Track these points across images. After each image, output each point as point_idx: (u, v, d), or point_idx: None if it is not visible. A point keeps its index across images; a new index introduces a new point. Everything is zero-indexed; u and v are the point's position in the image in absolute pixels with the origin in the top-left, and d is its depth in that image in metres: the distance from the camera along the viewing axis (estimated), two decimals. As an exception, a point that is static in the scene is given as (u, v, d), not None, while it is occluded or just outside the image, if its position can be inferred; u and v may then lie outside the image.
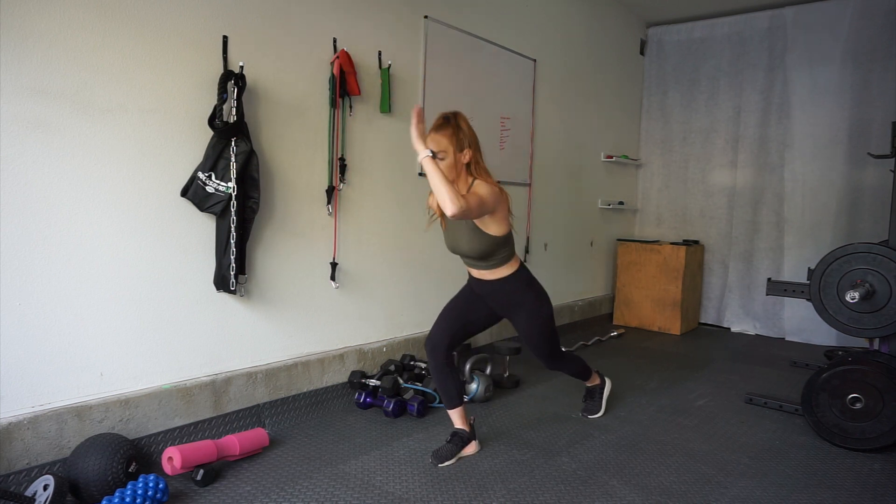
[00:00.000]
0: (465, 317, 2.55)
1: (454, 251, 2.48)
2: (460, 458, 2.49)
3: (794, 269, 4.94)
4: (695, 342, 4.92)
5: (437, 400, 3.03)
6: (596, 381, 3.05)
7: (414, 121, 2.15)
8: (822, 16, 4.84)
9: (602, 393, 3.06)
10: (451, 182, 2.15)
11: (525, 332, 2.59)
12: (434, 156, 2.15)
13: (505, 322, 4.18)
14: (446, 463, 2.43)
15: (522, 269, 2.52)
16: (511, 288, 2.49)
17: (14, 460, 1.98)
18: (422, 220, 3.48)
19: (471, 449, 2.53)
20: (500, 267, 2.45)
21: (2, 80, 1.92)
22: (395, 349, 3.39)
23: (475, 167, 2.32)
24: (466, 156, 2.30)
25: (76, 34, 2.08)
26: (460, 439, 2.49)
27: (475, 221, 2.32)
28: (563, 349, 2.79)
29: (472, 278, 2.57)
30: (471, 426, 2.55)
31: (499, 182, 2.37)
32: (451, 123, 2.28)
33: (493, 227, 2.33)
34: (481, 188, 2.26)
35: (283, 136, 2.77)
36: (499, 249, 2.40)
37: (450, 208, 2.07)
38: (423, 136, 2.18)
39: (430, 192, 2.37)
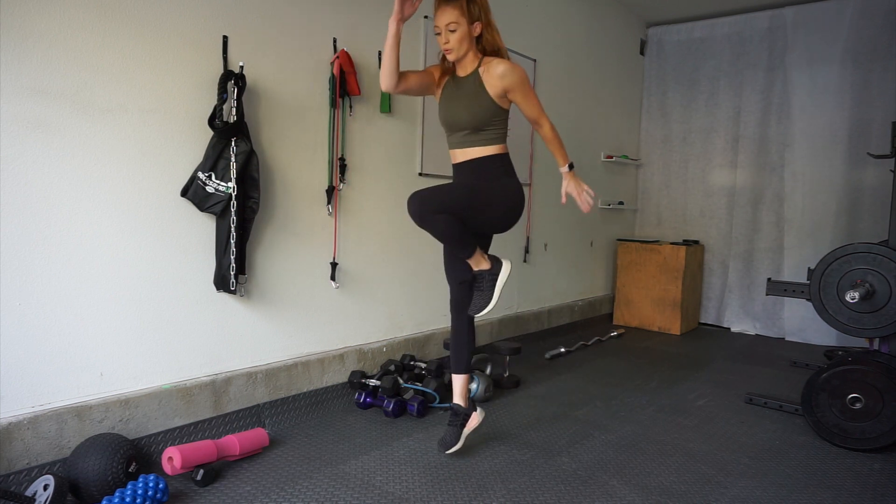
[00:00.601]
0: (466, 265, 2.43)
1: (448, 123, 2.38)
2: (466, 436, 2.47)
3: (794, 269, 4.95)
4: (695, 342, 4.92)
5: (437, 400, 3.03)
6: (484, 265, 2.42)
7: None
8: (822, 16, 4.84)
9: (495, 279, 2.43)
10: (558, 145, 2.39)
11: (486, 213, 2.34)
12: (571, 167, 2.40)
13: (505, 322, 4.22)
14: (454, 448, 2.41)
15: (508, 157, 2.41)
16: (493, 166, 2.35)
17: (14, 460, 1.98)
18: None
19: (474, 421, 2.51)
20: (490, 145, 2.34)
21: (2, 80, 1.92)
22: (395, 349, 3.39)
23: (489, 36, 2.29)
24: (477, 28, 2.27)
25: (76, 34, 2.08)
26: (460, 417, 2.47)
27: (490, 89, 2.28)
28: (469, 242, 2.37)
29: (455, 169, 2.43)
30: (469, 399, 2.53)
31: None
32: None
33: (502, 99, 2.31)
34: (515, 81, 2.25)
35: (283, 136, 2.77)
36: (496, 122, 2.33)
37: (547, 125, 2.35)
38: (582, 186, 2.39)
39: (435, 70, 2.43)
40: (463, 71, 2.37)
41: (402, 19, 2.25)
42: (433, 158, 3.54)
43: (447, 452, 2.41)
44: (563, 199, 2.48)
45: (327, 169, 2.97)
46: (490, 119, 2.32)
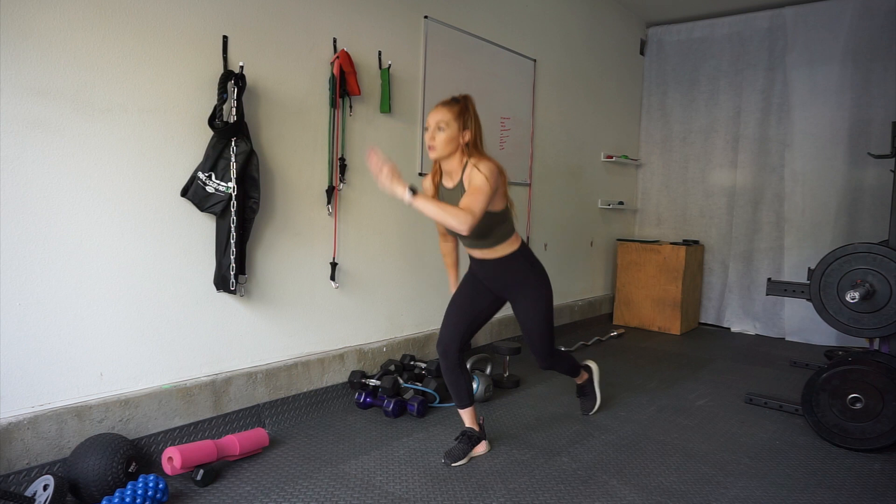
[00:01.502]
0: (470, 311, 2.52)
1: (450, 233, 2.45)
2: (471, 457, 2.49)
3: (794, 269, 4.95)
4: (695, 342, 4.92)
5: (437, 400, 3.03)
6: (584, 376, 3.03)
7: (378, 165, 2.04)
8: (822, 16, 4.84)
9: (593, 384, 3.05)
10: (445, 204, 2.12)
11: (525, 315, 2.54)
12: (414, 192, 2.05)
13: (505, 322, 4.21)
14: (459, 462, 2.43)
15: (524, 248, 2.49)
16: (513, 266, 2.44)
17: (14, 460, 1.98)
18: (421, 219, 3.48)
19: (481, 448, 2.53)
20: (501, 244, 2.40)
21: (2, 80, 1.92)
22: (395, 349, 3.39)
23: (473, 147, 2.29)
24: (467, 136, 2.28)
25: (76, 34, 2.08)
26: (470, 438, 2.50)
27: None
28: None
29: (473, 262, 2.52)
30: (480, 426, 2.56)
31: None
32: (459, 103, 2.28)
33: (492, 203, 2.26)
34: (476, 177, 2.18)
35: (283, 136, 2.77)
36: (497, 226, 2.35)
37: (462, 227, 2.07)
38: (395, 173, 2.05)
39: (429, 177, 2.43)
40: (449, 180, 2.35)
41: (400, 178, 2.10)
42: (427, 160, 3.53)
43: (452, 465, 2.42)
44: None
45: (327, 169, 2.97)
46: (490, 227, 2.34)
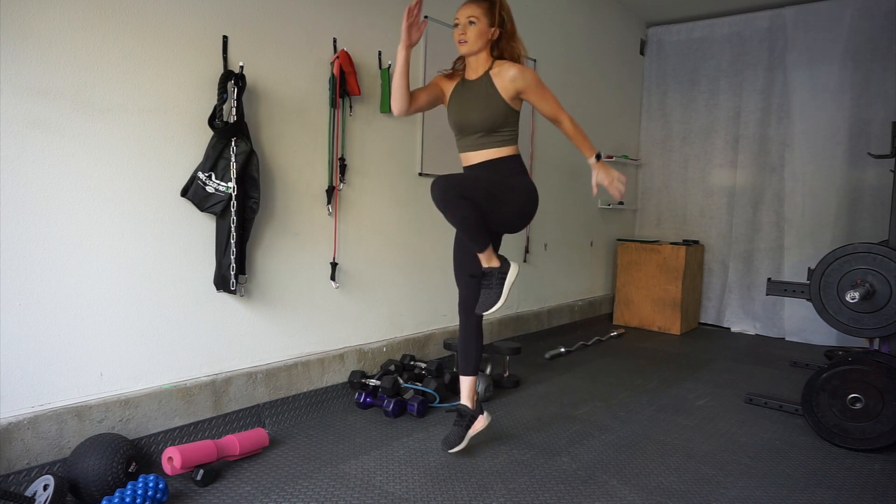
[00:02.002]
0: (476, 262, 2.42)
1: (459, 126, 2.39)
2: (471, 438, 2.47)
3: (794, 269, 4.95)
4: (695, 342, 4.92)
5: (437, 400, 3.03)
6: (494, 262, 2.40)
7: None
8: (822, 16, 4.84)
9: (503, 278, 2.40)
10: (580, 135, 2.41)
11: (503, 209, 2.34)
12: (599, 157, 2.45)
13: (505, 322, 4.22)
14: (457, 447, 2.41)
15: (520, 157, 2.44)
16: (507, 166, 2.35)
17: (14, 460, 1.98)
18: (421, 219, 3.48)
19: (480, 424, 2.51)
20: (503, 147, 2.35)
21: (2, 80, 1.92)
22: (395, 349, 3.39)
23: (508, 45, 2.34)
24: (496, 33, 2.32)
25: (76, 34, 2.08)
26: (466, 419, 2.47)
27: (502, 92, 2.29)
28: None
29: (467, 170, 2.43)
30: (477, 401, 2.54)
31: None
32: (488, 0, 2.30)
33: (515, 103, 2.33)
34: (529, 81, 2.28)
35: (283, 136, 2.77)
36: (509, 123, 2.35)
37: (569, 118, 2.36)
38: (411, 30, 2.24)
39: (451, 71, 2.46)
40: (474, 73, 2.38)
41: (410, 45, 2.28)
42: (433, 158, 3.54)
43: (450, 451, 2.41)
44: (594, 191, 2.48)
45: (327, 169, 2.97)
46: (503, 121, 2.33)
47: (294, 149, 2.82)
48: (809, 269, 3.04)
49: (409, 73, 2.36)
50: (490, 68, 2.33)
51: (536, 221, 4.54)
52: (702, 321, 5.63)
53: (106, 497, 1.89)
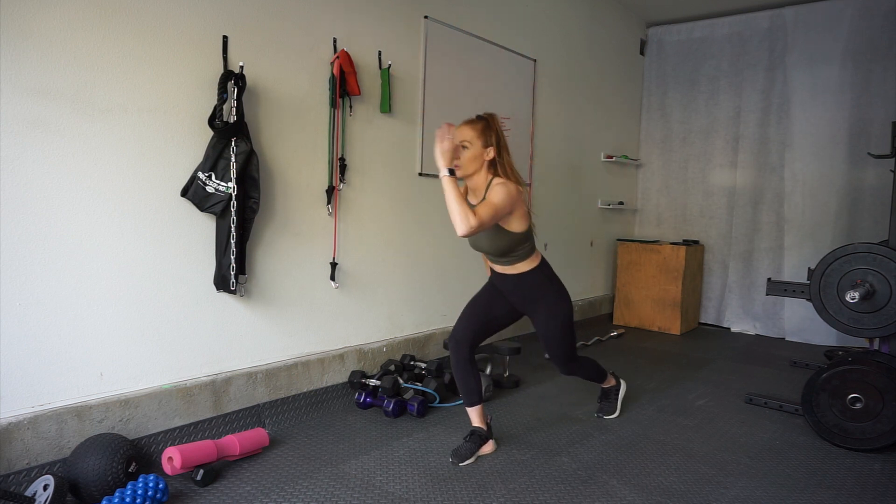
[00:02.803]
0: (488, 314, 2.58)
1: (476, 248, 2.51)
2: (478, 456, 2.50)
3: (794, 269, 4.95)
4: (695, 342, 4.92)
5: (437, 400, 3.03)
6: (611, 382, 3.02)
7: (440, 138, 2.19)
8: (822, 16, 4.84)
9: (617, 394, 3.04)
10: (463, 201, 2.16)
11: (543, 328, 2.57)
12: (451, 173, 2.18)
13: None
14: (466, 462, 2.43)
15: (544, 265, 2.56)
16: (532, 283, 2.51)
17: (14, 460, 1.98)
18: (421, 219, 3.48)
19: (488, 448, 2.54)
20: (521, 262, 2.48)
21: (2, 80, 1.92)
22: (395, 349, 3.39)
23: (500, 166, 2.37)
24: (490, 153, 2.35)
25: (76, 34, 2.08)
26: (479, 437, 2.51)
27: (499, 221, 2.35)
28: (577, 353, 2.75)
29: (494, 273, 2.60)
30: (488, 425, 2.57)
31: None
32: (482, 120, 2.36)
33: (513, 224, 2.36)
34: (495, 194, 2.26)
35: (283, 136, 2.77)
36: (519, 245, 2.42)
37: (460, 229, 2.14)
38: (449, 154, 2.20)
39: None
40: (474, 197, 2.43)
41: (452, 160, 2.23)
42: (433, 158, 3.53)
43: (460, 465, 2.42)
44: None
45: (327, 169, 2.97)
46: (513, 245, 2.41)
47: (294, 149, 2.82)
48: (809, 269, 3.04)
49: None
50: (486, 193, 2.35)
51: (537, 221, 4.52)
52: (702, 321, 5.63)
53: (106, 497, 1.90)
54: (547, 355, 2.69)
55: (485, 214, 2.18)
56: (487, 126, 2.35)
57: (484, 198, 2.33)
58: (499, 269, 2.54)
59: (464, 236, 2.16)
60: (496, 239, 2.39)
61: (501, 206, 2.24)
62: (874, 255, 2.81)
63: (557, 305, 2.54)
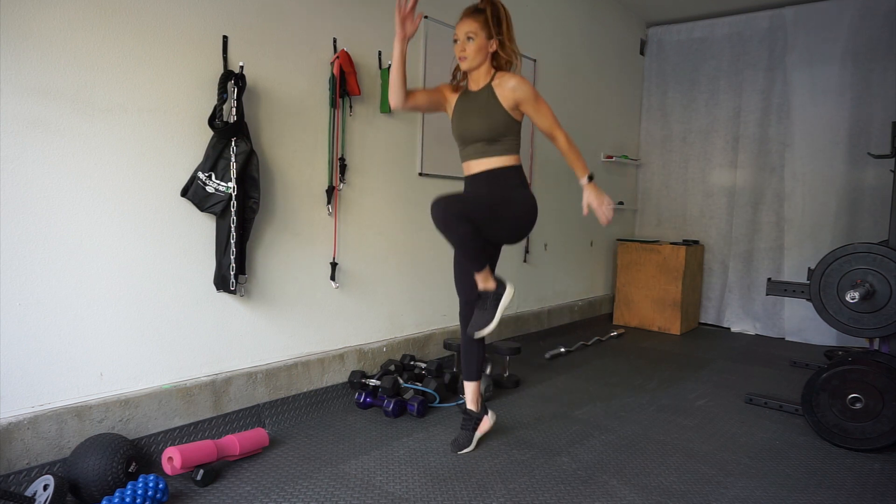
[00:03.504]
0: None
1: (462, 136, 2.42)
2: (478, 438, 2.53)
3: (794, 269, 4.95)
4: (695, 342, 4.92)
5: (437, 400, 3.03)
6: (493, 284, 2.46)
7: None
8: (822, 16, 4.84)
9: (498, 301, 2.42)
10: (574, 154, 2.44)
11: (502, 222, 2.39)
12: (591, 179, 2.49)
13: (505, 323, 4.21)
14: (466, 449, 2.47)
15: (522, 168, 2.46)
16: (508, 176, 2.38)
17: (14, 460, 1.98)
18: (421, 219, 3.48)
19: (486, 425, 2.57)
20: (505, 156, 2.39)
21: (2, 80, 1.92)
22: (395, 349, 3.39)
23: (505, 54, 2.37)
24: (493, 45, 2.35)
25: (76, 34, 2.08)
26: (472, 421, 2.53)
27: (503, 101, 2.33)
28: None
29: (468, 181, 2.44)
30: (481, 403, 2.58)
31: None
32: (483, 12, 2.33)
33: (516, 112, 2.36)
34: (531, 94, 2.31)
35: (283, 136, 2.77)
36: (510, 132, 2.38)
37: (564, 135, 2.39)
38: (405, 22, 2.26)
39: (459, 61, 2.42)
40: (475, 85, 2.43)
41: (406, 38, 2.30)
42: (433, 158, 3.54)
43: (459, 453, 2.45)
44: (585, 211, 2.51)
45: (327, 169, 2.97)
46: (505, 130, 2.36)
47: (294, 149, 2.82)
48: (809, 269, 3.04)
49: (407, 70, 2.39)
50: (492, 79, 2.38)
51: (537, 221, 4.54)
52: (702, 321, 5.63)
53: (106, 497, 1.89)
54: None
55: (549, 115, 2.36)
56: (489, 16, 2.32)
57: (488, 86, 2.35)
58: (477, 165, 2.38)
59: (564, 135, 2.38)
60: (493, 118, 2.32)
61: (542, 99, 2.34)
62: (874, 255, 2.81)
63: (519, 198, 2.40)
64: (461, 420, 2.58)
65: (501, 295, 2.39)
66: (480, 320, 2.38)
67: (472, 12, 2.35)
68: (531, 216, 2.45)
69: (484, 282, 2.39)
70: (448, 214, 2.18)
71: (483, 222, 2.28)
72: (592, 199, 2.47)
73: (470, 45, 2.32)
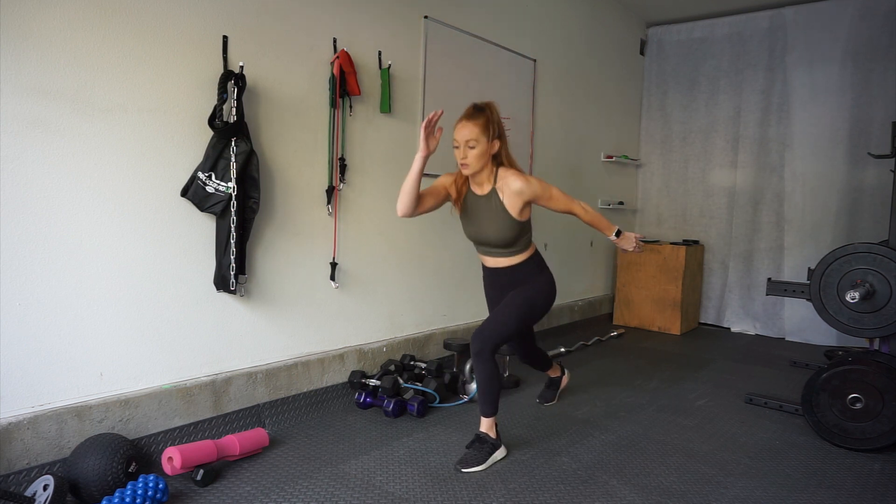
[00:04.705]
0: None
1: (477, 240, 2.50)
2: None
3: (794, 269, 4.95)
4: (695, 342, 4.92)
5: (437, 400, 3.03)
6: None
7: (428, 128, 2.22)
8: (822, 16, 4.84)
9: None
10: (599, 220, 2.52)
11: (509, 298, 2.48)
12: (618, 235, 2.56)
13: (505, 322, 4.20)
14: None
15: (537, 254, 2.58)
16: (526, 270, 2.52)
17: (14, 460, 1.98)
18: (421, 219, 3.48)
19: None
20: (521, 253, 2.50)
21: (2, 80, 1.92)
22: (395, 349, 3.39)
23: (505, 157, 2.40)
24: (495, 146, 2.36)
25: (76, 34, 2.08)
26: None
27: (510, 209, 2.36)
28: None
29: (486, 272, 2.59)
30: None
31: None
32: (484, 114, 2.34)
33: (524, 213, 2.40)
34: (541, 186, 2.38)
35: (283, 136, 2.77)
36: (524, 235, 2.46)
37: (591, 211, 2.49)
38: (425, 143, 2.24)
39: (454, 174, 2.47)
40: (480, 189, 2.44)
41: (428, 155, 2.28)
42: (433, 158, 3.52)
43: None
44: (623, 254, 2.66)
45: (327, 169, 2.97)
46: (518, 235, 2.43)
47: (294, 149, 2.82)
48: (809, 269, 3.04)
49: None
50: (495, 181, 2.39)
51: (537, 222, 4.54)
52: (702, 321, 5.63)
53: (106, 497, 1.90)
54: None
55: (565, 197, 2.43)
56: (489, 120, 2.33)
57: (493, 190, 2.39)
58: (493, 262, 2.53)
59: (581, 207, 2.46)
60: (506, 228, 2.39)
61: (548, 186, 2.41)
62: (874, 255, 2.81)
63: (536, 287, 2.52)
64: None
65: (496, 448, 2.47)
66: (470, 459, 2.40)
67: (471, 115, 2.33)
68: (551, 295, 2.59)
69: (488, 428, 2.48)
70: (482, 348, 2.38)
71: (521, 325, 2.49)
72: (627, 246, 2.61)
73: (472, 152, 2.32)
